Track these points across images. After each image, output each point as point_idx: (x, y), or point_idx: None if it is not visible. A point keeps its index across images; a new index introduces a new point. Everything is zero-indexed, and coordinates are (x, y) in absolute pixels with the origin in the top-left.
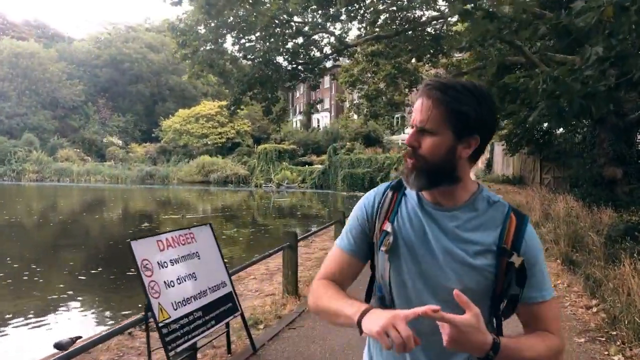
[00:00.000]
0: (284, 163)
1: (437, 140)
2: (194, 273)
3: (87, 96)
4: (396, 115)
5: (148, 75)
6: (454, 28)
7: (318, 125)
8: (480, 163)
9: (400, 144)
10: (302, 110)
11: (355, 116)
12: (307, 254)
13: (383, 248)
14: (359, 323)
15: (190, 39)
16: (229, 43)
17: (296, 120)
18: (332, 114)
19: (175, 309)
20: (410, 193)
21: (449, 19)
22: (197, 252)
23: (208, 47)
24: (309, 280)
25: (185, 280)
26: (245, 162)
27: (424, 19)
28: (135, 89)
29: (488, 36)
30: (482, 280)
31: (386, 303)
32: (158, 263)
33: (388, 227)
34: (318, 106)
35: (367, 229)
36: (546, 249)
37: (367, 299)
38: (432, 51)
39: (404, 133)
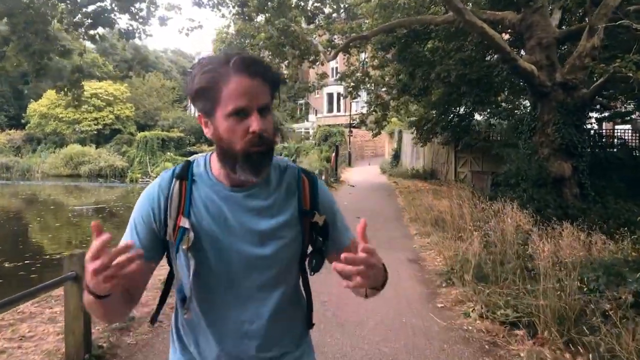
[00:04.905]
0: (168, 153)
1: (271, 118)
2: None
3: None
4: (300, 102)
5: None
6: None
7: None
8: (387, 154)
9: (303, 132)
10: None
11: None
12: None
13: (184, 246)
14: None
15: None
16: None
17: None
18: None
19: None
20: (201, 180)
21: None
22: None
23: None
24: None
25: None
26: (125, 152)
27: None
28: None
29: None
30: (293, 245)
31: (188, 303)
32: None
33: (185, 222)
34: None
35: (156, 229)
36: None
37: (163, 300)
38: None
39: (307, 121)
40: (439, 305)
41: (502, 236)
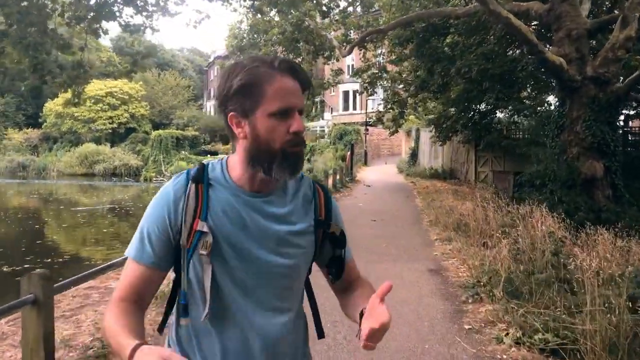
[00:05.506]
0: (182, 152)
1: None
2: None
3: None
4: (316, 99)
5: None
6: None
7: None
8: (404, 153)
9: (318, 131)
10: (214, 94)
11: None
12: None
13: (203, 251)
14: None
15: None
16: None
17: (210, 105)
18: None
19: None
20: (219, 183)
21: None
22: None
23: None
24: None
25: None
26: (140, 151)
27: None
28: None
29: None
30: (308, 253)
31: (189, 311)
32: None
33: (203, 226)
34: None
35: (170, 234)
36: None
37: (170, 307)
38: None
39: (322, 119)
40: (466, 326)
41: (532, 243)
